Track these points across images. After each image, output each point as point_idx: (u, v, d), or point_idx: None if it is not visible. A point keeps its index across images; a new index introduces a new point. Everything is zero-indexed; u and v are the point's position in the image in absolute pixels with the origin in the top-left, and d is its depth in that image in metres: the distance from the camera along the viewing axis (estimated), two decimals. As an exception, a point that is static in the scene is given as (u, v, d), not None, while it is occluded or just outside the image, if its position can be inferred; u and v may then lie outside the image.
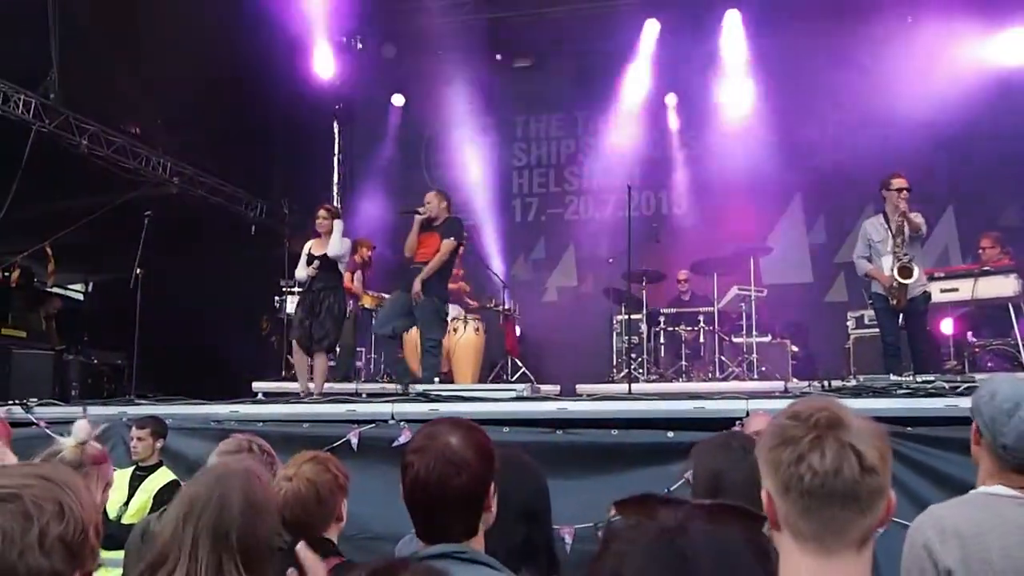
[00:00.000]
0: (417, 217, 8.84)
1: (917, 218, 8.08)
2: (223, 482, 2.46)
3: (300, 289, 9.30)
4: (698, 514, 1.29)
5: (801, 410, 1.67)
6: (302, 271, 8.92)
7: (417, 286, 8.57)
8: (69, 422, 7.75)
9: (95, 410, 8.00)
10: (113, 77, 10.57)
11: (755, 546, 1.30)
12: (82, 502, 1.44)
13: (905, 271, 7.90)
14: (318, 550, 3.17)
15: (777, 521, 1.66)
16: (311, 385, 8.82)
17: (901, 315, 8.13)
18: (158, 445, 6.34)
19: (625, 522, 1.33)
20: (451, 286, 11.24)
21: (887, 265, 8.08)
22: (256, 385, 10.54)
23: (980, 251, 10.00)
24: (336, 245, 8.77)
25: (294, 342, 8.91)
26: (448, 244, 8.72)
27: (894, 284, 7.95)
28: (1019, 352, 8.87)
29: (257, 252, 13.10)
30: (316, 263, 8.77)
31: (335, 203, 13.57)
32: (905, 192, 8.01)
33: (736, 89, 12.99)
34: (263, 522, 2.47)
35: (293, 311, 11.35)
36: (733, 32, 12.94)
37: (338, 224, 8.88)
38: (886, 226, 8.15)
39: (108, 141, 11.34)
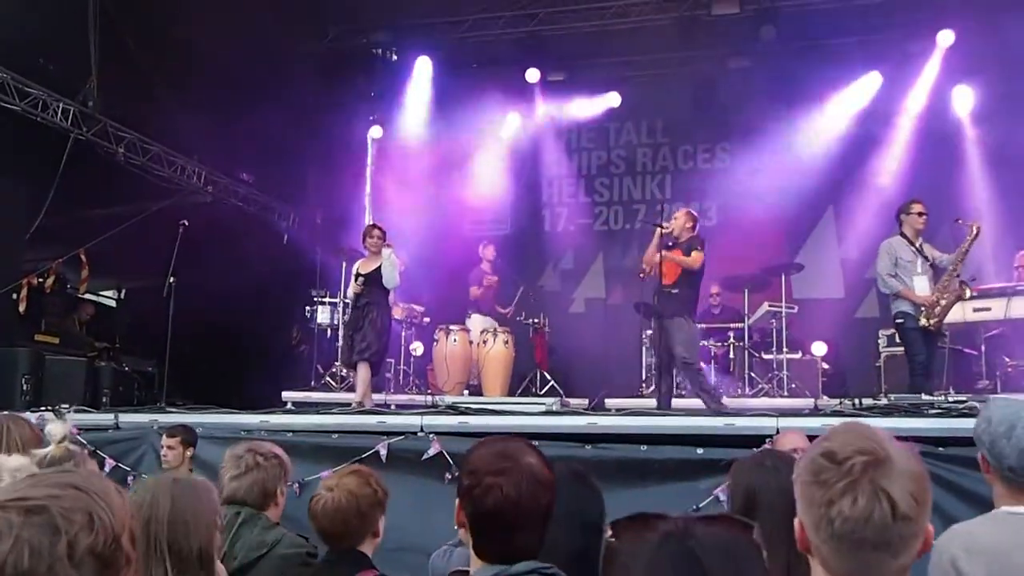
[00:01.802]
0: (657, 231, 8.69)
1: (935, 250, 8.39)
2: (153, 490, 2.57)
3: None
4: (698, 521, 1.30)
5: (838, 449, 1.61)
6: (351, 289, 9.34)
7: None
8: (102, 429, 7.86)
9: (126, 417, 8.07)
10: (151, 86, 10.67)
11: (756, 547, 1.32)
12: (114, 510, 1.44)
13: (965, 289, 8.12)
14: (354, 563, 3.21)
15: (809, 549, 1.65)
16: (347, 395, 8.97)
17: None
18: (188, 454, 6.40)
19: (625, 540, 1.33)
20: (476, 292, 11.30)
21: (920, 286, 8.18)
22: (286, 395, 10.60)
23: (1018, 268, 9.91)
24: (391, 278, 9.10)
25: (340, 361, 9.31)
26: (696, 256, 8.61)
27: (940, 303, 8.07)
28: (1053, 372, 8.78)
29: (289, 262, 13.17)
30: (361, 280, 9.03)
31: (367, 215, 13.62)
32: (925, 217, 8.33)
33: (770, 103, 12.93)
34: (194, 529, 2.52)
35: (326, 321, 11.55)
36: (758, 47, 12.90)
37: (388, 253, 9.06)
38: (912, 248, 8.28)
39: (144, 149, 11.46)
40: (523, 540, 2.22)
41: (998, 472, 2.72)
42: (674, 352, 8.46)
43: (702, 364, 9.50)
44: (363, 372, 8.96)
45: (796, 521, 1.66)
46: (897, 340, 9.83)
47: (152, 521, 2.48)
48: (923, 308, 8.09)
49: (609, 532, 1.40)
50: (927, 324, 8.07)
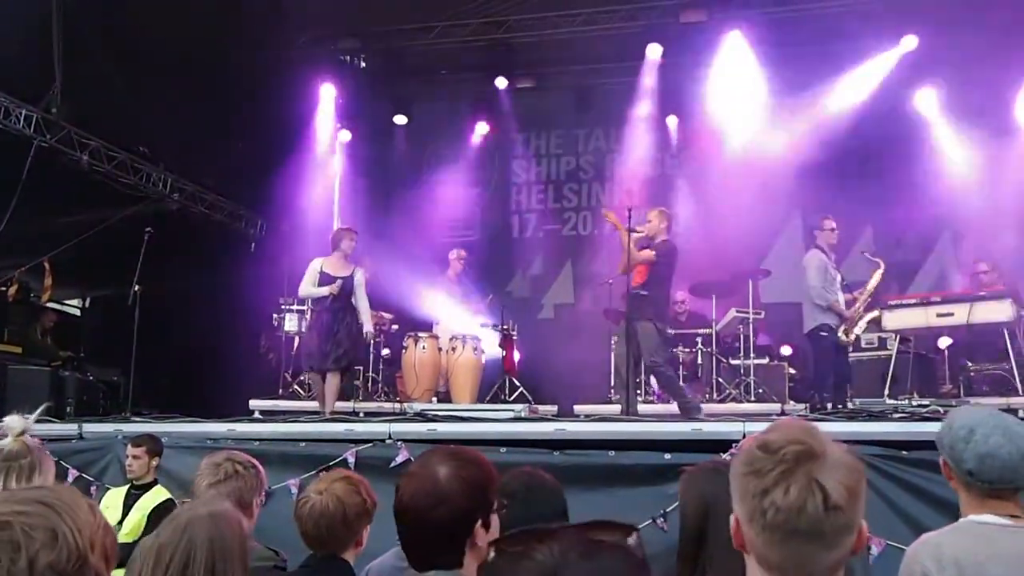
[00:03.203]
0: (632, 235, 8.66)
1: None
2: (189, 531, 2.47)
3: (308, 307, 9.33)
4: (575, 547, 1.29)
5: (773, 440, 1.61)
6: (311, 288, 8.94)
7: None
8: (66, 439, 7.78)
9: (91, 427, 8.00)
10: (115, 93, 10.58)
11: (634, 570, 1.30)
12: (81, 528, 1.43)
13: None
14: (336, 571, 3.19)
15: (744, 545, 1.65)
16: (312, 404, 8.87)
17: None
18: (154, 463, 6.33)
19: (503, 561, 1.33)
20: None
21: (841, 300, 9.05)
22: (253, 403, 10.53)
23: (980, 275, 10.10)
24: (364, 301, 9.04)
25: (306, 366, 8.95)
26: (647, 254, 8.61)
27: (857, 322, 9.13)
28: (1014, 377, 8.91)
29: (256, 269, 13.10)
30: (338, 284, 8.80)
31: (335, 220, 13.56)
32: (836, 232, 9.21)
33: (735, 110, 13.00)
34: (231, 567, 2.48)
35: (294, 328, 11.41)
36: (733, 54, 12.97)
37: (360, 278, 9.02)
38: (832, 263, 9.03)
39: (109, 156, 11.36)
40: (423, 549, 2.16)
41: (959, 477, 2.74)
42: (641, 355, 8.49)
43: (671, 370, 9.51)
44: (335, 381, 8.89)
45: (732, 517, 1.66)
46: (863, 345, 9.99)
47: (191, 564, 2.41)
48: (845, 324, 8.92)
49: (491, 552, 1.39)
50: (846, 339, 8.91)
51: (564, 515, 2.76)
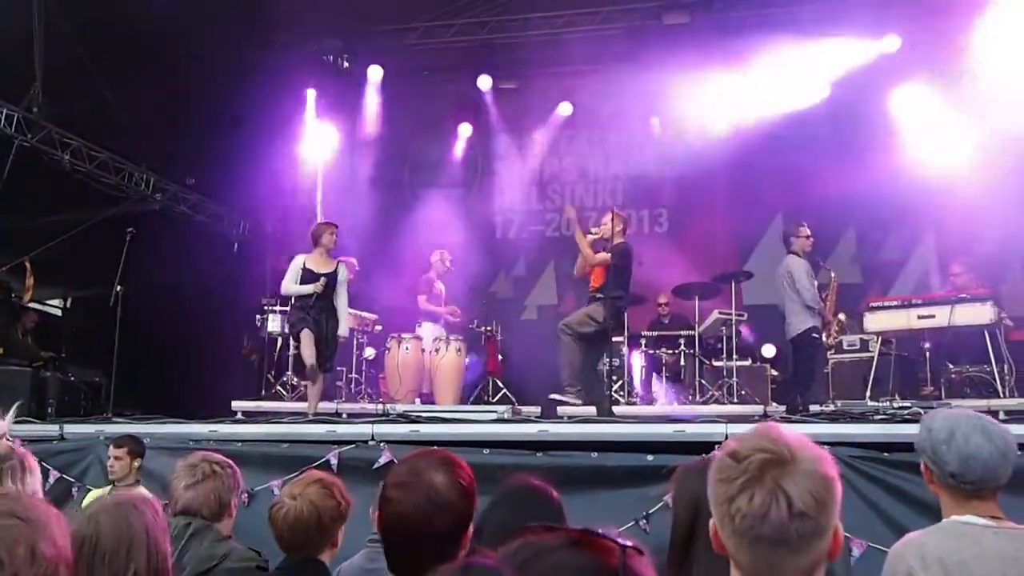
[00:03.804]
0: (588, 237, 8.73)
1: None
2: (93, 521, 2.51)
3: (290, 305, 9.19)
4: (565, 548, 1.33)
5: (740, 448, 1.64)
6: (294, 285, 8.84)
7: None
8: (47, 440, 7.74)
9: (72, 428, 7.95)
10: (97, 92, 10.53)
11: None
12: (56, 542, 1.43)
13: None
14: (313, 573, 3.19)
15: (723, 548, 1.67)
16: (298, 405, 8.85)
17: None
18: (136, 464, 6.31)
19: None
20: (437, 309, 11.27)
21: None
22: (236, 404, 10.48)
23: (953, 278, 10.20)
24: (343, 299, 9.01)
25: (309, 363, 8.68)
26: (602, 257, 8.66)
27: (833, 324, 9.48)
28: (995, 379, 8.96)
29: (239, 270, 13.06)
30: (323, 281, 8.74)
31: (319, 220, 13.50)
32: (812, 240, 9.44)
33: (717, 112, 13.04)
34: (134, 555, 2.48)
35: (277, 329, 11.36)
36: (714, 55, 13.01)
37: (344, 275, 8.95)
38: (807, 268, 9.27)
39: (91, 156, 11.31)
40: (421, 558, 2.11)
41: (941, 480, 2.77)
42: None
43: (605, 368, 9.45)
44: (321, 384, 8.91)
45: (711, 522, 1.68)
46: (845, 347, 10.05)
47: (96, 553, 2.44)
48: (825, 327, 9.27)
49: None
50: (829, 342, 9.36)
51: (561, 518, 2.76)
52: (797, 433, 1.67)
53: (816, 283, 9.25)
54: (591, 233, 8.69)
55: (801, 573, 1.62)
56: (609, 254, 8.59)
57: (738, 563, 1.64)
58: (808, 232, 9.40)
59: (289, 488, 3.32)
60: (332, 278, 8.86)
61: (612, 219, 8.85)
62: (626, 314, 10.55)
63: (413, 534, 2.16)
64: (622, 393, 10.65)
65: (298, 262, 8.90)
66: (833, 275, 9.77)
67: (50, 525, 1.45)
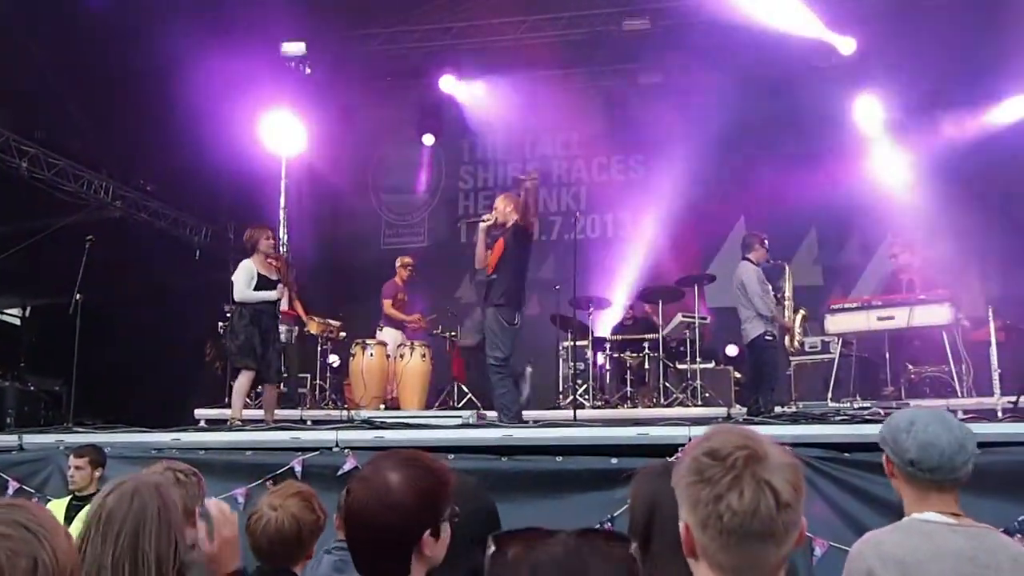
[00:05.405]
0: (481, 225, 8.49)
1: None
2: (138, 498, 2.45)
3: (235, 312, 8.93)
4: (583, 539, 1.34)
5: (718, 447, 1.66)
6: (251, 292, 8.48)
7: None
8: (5, 451, 7.63)
9: (32, 438, 7.85)
10: (56, 100, 10.42)
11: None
12: (59, 554, 1.42)
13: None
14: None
15: (695, 551, 1.69)
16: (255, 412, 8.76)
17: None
18: (97, 474, 6.24)
19: (511, 551, 1.36)
20: (403, 317, 11.24)
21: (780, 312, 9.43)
22: (199, 412, 10.40)
23: (892, 258, 10.45)
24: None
25: (252, 372, 8.45)
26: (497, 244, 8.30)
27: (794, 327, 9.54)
28: (953, 379, 9.09)
29: (201, 277, 12.95)
30: (281, 288, 8.64)
31: (282, 227, 13.42)
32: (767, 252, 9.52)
33: (679, 115, 13.10)
34: (180, 538, 2.48)
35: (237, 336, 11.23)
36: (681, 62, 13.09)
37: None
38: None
39: (49, 163, 11.18)
40: (370, 556, 2.12)
41: (901, 469, 2.79)
42: (485, 350, 8.25)
43: (529, 368, 9.17)
44: (275, 394, 8.86)
45: (682, 524, 1.70)
46: (807, 349, 10.14)
47: (142, 531, 2.40)
48: (788, 333, 9.44)
49: (492, 545, 1.41)
50: (792, 347, 9.53)
51: (495, 518, 2.73)
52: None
53: (770, 291, 9.29)
54: (483, 220, 8.50)
55: (779, 565, 1.67)
56: (502, 239, 8.32)
57: (718, 563, 1.66)
58: (767, 247, 9.47)
59: (268, 498, 3.28)
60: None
61: (504, 201, 8.55)
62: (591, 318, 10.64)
63: (362, 531, 2.14)
64: (586, 397, 10.68)
65: (251, 267, 8.53)
66: (787, 268, 9.84)
67: (57, 539, 1.44)
